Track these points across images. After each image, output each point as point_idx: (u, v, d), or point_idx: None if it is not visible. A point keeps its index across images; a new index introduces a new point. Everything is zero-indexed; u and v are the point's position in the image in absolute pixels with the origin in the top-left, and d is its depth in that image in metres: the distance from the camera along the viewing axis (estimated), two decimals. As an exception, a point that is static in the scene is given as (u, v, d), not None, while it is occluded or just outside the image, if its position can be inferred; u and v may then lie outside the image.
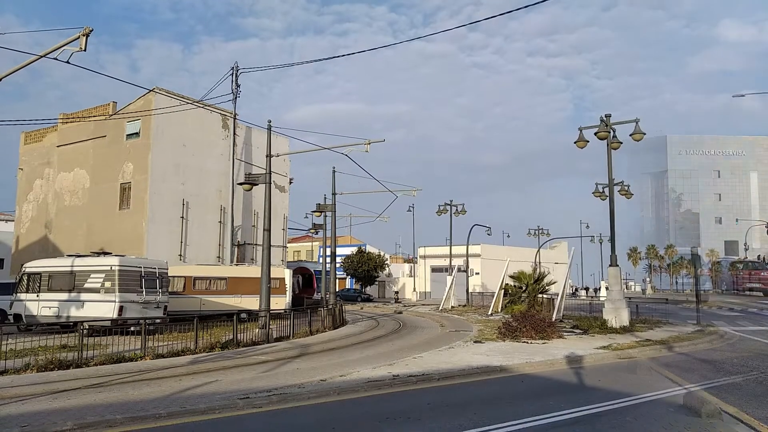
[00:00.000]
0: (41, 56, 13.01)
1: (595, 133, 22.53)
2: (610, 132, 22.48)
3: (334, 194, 32.28)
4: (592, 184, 26.11)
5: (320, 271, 42.17)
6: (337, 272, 39.54)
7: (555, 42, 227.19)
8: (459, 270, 43.99)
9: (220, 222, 33.83)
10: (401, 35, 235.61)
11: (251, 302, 24.63)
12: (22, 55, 13.63)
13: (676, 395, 9.97)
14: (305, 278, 41.52)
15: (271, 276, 21.48)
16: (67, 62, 12.63)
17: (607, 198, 23.76)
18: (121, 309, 19.61)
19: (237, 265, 32.08)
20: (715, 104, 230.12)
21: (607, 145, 22.93)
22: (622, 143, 22.96)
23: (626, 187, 26.57)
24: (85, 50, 12.34)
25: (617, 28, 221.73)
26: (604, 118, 22.53)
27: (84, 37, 12.29)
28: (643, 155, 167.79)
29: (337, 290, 35.96)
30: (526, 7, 11.07)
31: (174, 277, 25.42)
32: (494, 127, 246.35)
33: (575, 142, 23.10)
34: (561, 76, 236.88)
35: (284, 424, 8.21)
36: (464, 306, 40.83)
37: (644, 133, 22.40)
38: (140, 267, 20.91)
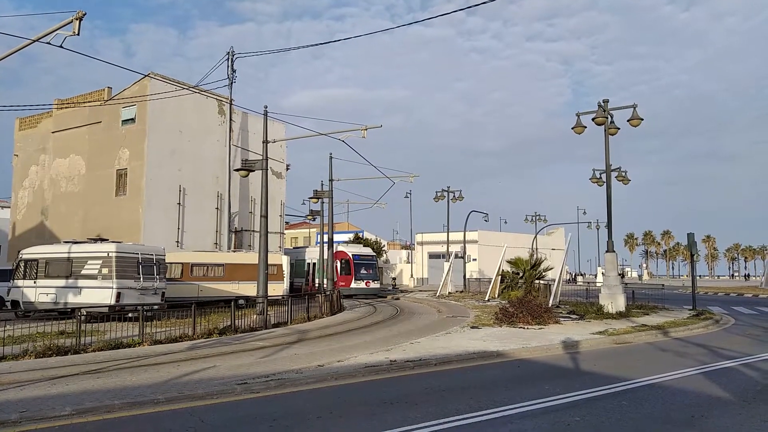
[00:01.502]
0: (34, 40, 12.86)
1: (593, 119, 22.47)
2: (607, 117, 22.42)
3: (331, 180, 32.21)
4: (591, 170, 26.13)
5: (359, 255, 39.56)
6: None
7: (554, 26, 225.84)
8: (456, 256, 44.13)
9: (217, 208, 33.77)
10: (399, 20, 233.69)
11: (249, 288, 24.73)
12: (15, 40, 13.49)
13: (672, 379, 10.05)
14: (342, 265, 37.83)
15: (269, 262, 21.49)
16: (61, 47, 12.50)
17: (605, 184, 23.76)
18: (118, 295, 19.62)
19: (234, 251, 32.09)
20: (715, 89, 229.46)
21: (605, 130, 22.89)
22: (620, 129, 22.91)
23: (624, 173, 26.55)
24: (78, 34, 12.19)
25: (616, 12, 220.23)
26: (602, 104, 22.46)
27: (77, 21, 12.14)
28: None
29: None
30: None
31: (171, 263, 25.43)
32: (492, 112, 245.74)
33: (573, 128, 23.06)
34: (559, 61, 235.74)
35: (282, 409, 8.25)
36: (461, 292, 40.95)
37: (642, 119, 22.35)
38: (137, 253, 20.89)
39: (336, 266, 36.44)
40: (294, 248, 52.70)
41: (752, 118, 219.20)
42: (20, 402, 8.20)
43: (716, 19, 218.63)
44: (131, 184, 30.83)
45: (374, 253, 42.21)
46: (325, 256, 32.97)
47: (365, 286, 37.68)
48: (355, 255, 38.88)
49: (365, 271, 38.52)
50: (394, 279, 62.57)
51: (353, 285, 36.58)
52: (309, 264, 41.67)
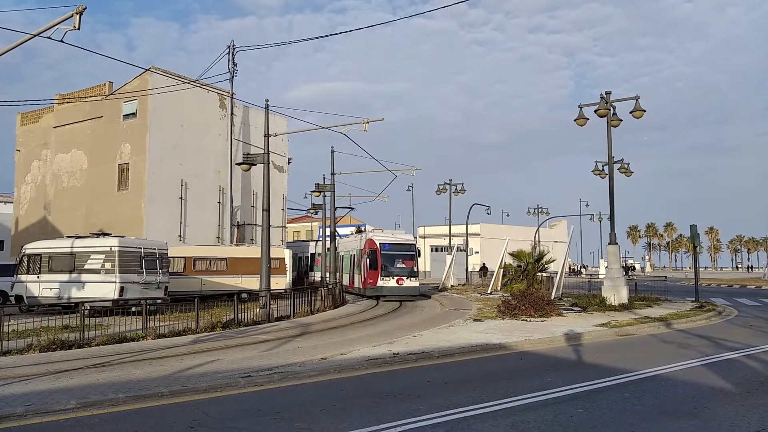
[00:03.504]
0: (34, 35, 12.83)
1: (596, 111, 22.40)
2: (609, 109, 22.35)
3: (333, 174, 32.17)
4: (594, 162, 26.05)
5: (388, 243, 29.92)
6: None
7: (556, 18, 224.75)
8: (458, 249, 44.07)
9: (219, 202, 33.78)
10: (400, 12, 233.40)
11: (251, 282, 24.73)
12: (16, 35, 13.46)
13: (675, 371, 10.05)
14: (369, 258, 29.04)
15: (272, 256, 21.51)
16: (61, 41, 12.45)
17: (607, 176, 23.72)
18: (121, 290, 19.67)
19: (237, 245, 32.12)
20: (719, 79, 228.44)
21: (607, 122, 22.82)
22: (622, 121, 22.85)
23: (626, 165, 26.48)
24: (78, 29, 12.14)
25: (618, 3, 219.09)
26: (604, 96, 22.38)
27: (77, 16, 12.09)
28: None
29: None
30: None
31: (174, 257, 25.46)
32: (494, 105, 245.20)
33: (575, 120, 22.99)
34: (562, 53, 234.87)
35: (285, 402, 8.28)
36: (464, 285, 41.02)
37: (644, 110, 22.28)
38: (140, 248, 20.94)
39: (366, 260, 29.54)
40: (295, 241, 52.77)
41: (755, 110, 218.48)
42: (25, 396, 8.25)
43: (719, 9, 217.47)
44: (133, 179, 30.85)
45: (412, 240, 31.44)
46: (327, 250, 32.95)
47: (396, 285, 28.12)
48: (384, 243, 29.43)
49: (399, 264, 28.98)
50: None
51: (380, 283, 27.99)
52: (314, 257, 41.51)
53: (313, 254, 42.06)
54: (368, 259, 29.22)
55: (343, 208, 38.42)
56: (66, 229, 30.30)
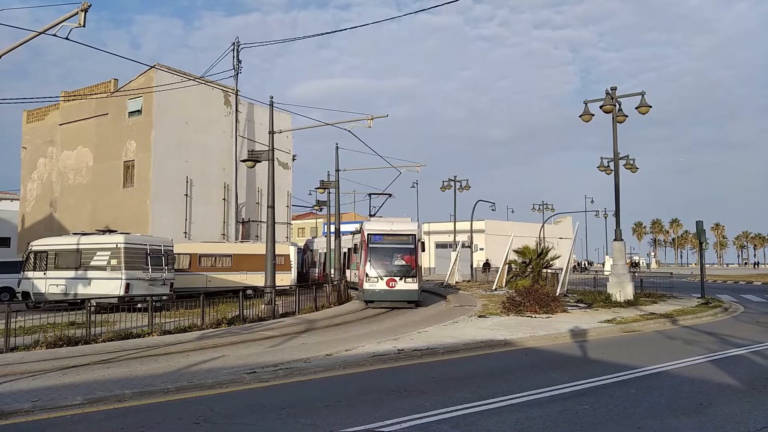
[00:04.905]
0: (39, 33, 12.88)
1: (601, 107, 22.27)
2: (615, 105, 22.23)
3: (337, 171, 32.20)
4: (599, 158, 25.91)
5: (380, 233, 22.40)
6: None
7: (561, 14, 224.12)
8: (463, 246, 43.97)
9: (224, 199, 33.86)
10: (405, 8, 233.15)
11: (256, 279, 24.82)
12: (22, 32, 13.52)
13: (680, 367, 10.02)
14: (358, 251, 24.12)
15: (276, 253, 21.55)
16: (67, 38, 12.50)
17: (613, 172, 23.62)
18: (127, 286, 19.77)
19: (242, 242, 32.21)
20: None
21: (613, 118, 22.70)
22: (627, 116, 22.72)
23: (632, 161, 26.34)
24: (83, 26, 12.19)
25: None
26: (610, 91, 22.26)
27: (82, 13, 12.14)
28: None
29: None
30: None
31: (179, 254, 25.57)
32: (499, 101, 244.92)
33: (580, 116, 22.88)
34: (567, 48, 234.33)
35: (291, 398, 8.30)
36: (468, 281, 40.96)
37: (650, 106, 22.15)
38: (146, 244, 21.03)
39: (357, 256, 24.74)
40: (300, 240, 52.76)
41: (760, 106, 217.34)
42: (32, 392, 8.30)
43: (725, 5, 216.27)
44: (138, 176, 30.95)
45: (411, 230, 23.32)
46: (332, 246, 32.99)
47: (386, 288, 21.67)
48: (373, 234, 22.58)
49: (392, 261, 22.17)
50: None
51: (365, 285, 21.92)
52: (319, 254, 41.51)
53: (349, 249, 40.19)
54: (358, 255, 23.37)
55: (377, 194, 34.07)
56: (72, 226, 30.45)
